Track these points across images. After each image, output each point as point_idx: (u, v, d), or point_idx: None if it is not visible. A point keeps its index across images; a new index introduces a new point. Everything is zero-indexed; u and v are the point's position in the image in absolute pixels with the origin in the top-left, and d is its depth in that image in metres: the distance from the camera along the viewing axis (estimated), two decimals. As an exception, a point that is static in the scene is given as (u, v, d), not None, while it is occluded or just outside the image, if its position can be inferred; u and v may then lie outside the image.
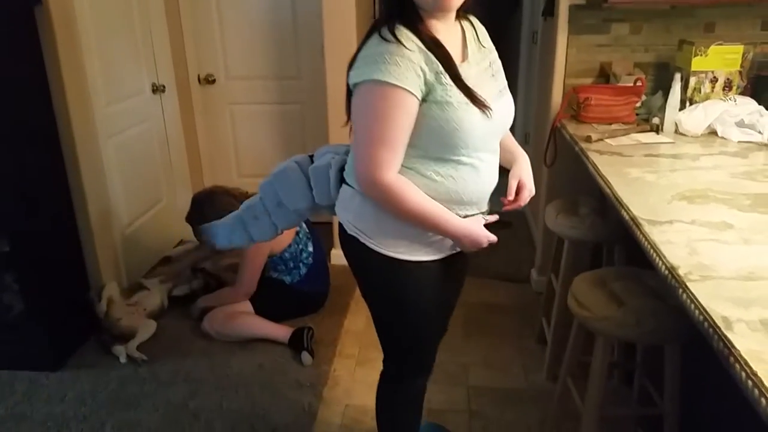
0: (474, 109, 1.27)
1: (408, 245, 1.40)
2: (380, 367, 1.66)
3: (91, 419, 2.15)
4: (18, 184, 2.24)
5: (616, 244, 2.12)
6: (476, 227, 1.38)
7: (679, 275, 1.13)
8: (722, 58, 2.30)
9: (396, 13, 1.26)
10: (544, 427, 2.04)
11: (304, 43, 3.46)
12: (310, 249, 2.74)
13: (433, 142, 1.29)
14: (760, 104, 2.18)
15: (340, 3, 2.80)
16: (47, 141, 2.43)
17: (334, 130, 2.99)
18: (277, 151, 3.69)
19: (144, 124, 3.17)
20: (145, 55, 3.14)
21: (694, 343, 1.37)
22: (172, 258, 3.25)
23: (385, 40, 1.22)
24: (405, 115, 1.23)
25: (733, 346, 0.91)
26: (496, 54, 1.44)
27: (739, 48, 2.30)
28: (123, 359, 2.45)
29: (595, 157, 1.93)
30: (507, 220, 1.48)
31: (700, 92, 2.33)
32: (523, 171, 1.50)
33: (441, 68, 1.24)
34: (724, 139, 2.11)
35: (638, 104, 2.40)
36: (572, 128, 2.32)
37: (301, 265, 2.71)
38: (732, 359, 0.90)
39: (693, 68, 2.30)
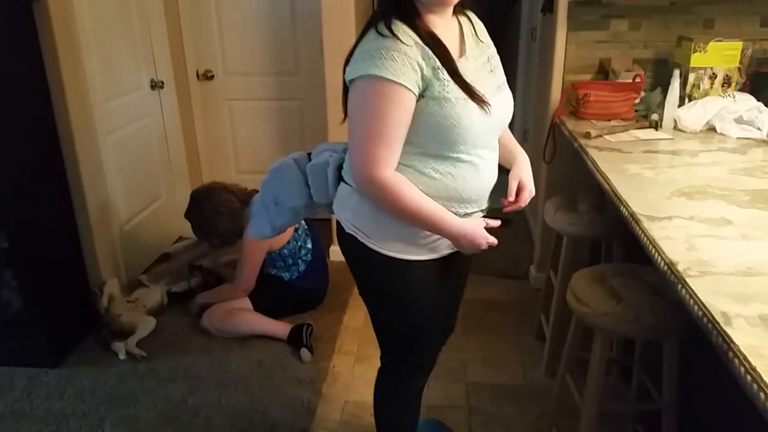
0: (472, 105, 1.26)
1: (406, 244, 1.39)
2: (379, 363, 1.66)
3: (90, 416, 2.15)
4: (16, 180, 2.24)
5: (615, 240, 2.12)
6: (475, 228, 1.36)
7: (678, 271, 1.14)
8: (721, 55, 2.29)
9: (393, 8, 1.24)
10: (543, 423, 2.04)
11: (303, 39, 3.45)
12: (309, 246, 2.74)
13: (432, 139, 1.28)
14: (758, 100, 2.18)
15: (338, -1, 2.80)
16: (46, 137, 2.42)
17: (333, 127, 2.99)
18: (276, 147, 3.69)
19: (142, 120, 3.16)
20: (143, 50, 3.13)
21: (691, 339, 1.38)
22: (171, 255, 3.25)
23: (382, 35, 1.21)
24: (402, 111, 1.22)
25: (732, 341, 0.91)
26: (494, 49, 1.43)
27: (738, 44, 2.29)
28: (122, 356, 2.45)
29: (594, 154, 1.93)
30: (507, 218, 1.47)
31: (699, 88, 2.33)
32: (523, 171, 1.49)
33: (438, 63, 1.23)
34: (723, 135, 2.11)
35: (637, 100, 2.40)
36: (571, 124, 2.31)
37: (300, 261, 2.71)
38: (731, 354, 0.90)
39: (692, 64, 2.29)
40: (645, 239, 1.31)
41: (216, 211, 2.61)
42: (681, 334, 1.48)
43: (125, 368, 2.41)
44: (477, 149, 1.33)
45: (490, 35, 1.43)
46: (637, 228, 1.37)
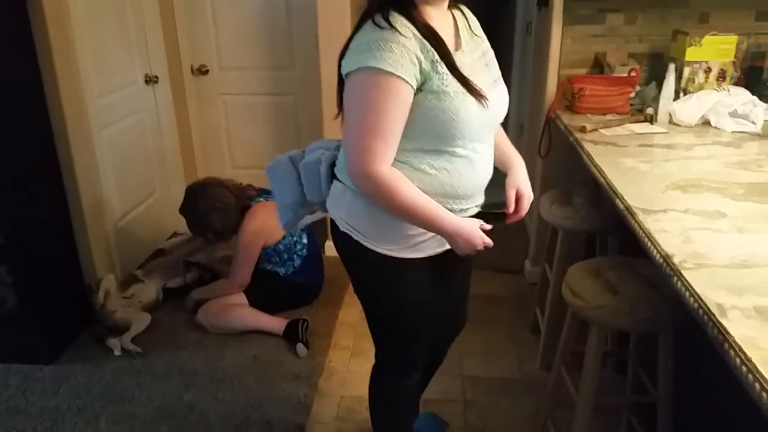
0: (470, 99, 1.25)
1: (401, 242, 1.37)
2: (374, 359, 1.66)
3: (85, 412, 2.15)
4: (11, 176, 2.22)
5: (610, 234, 2.12)
6: (472, 228, 1.32)
7: (673, 263, 1.14)
8: (716, 49, 2.30)
9: (389, 0, 1.22)
10: (539, 416, 2.05)
11: (298, 34, 3.43)
12: (305, 241, 2.74)
13: (429, 133, 1.26)
14: (753, 94, 2.19)
15: (334, -8, 2.78)
16: (40, 133, 2.41)
17: (328, 121, 2.98)
18: (271, 142, 3.68)
19: (137, 115, 3.14)
20: (137, 45, 3.11)
21: (686, 331, 1.38)
22: (166, 250, 3.24)
23: (379, 26, 1.19)
24: (399, 104, 1.20)
25: (728, 333, 0.92)
26: (488, 44, 1.42)
27: (733, 38, 2.30)
28: (117, 352, 2.44)
29: (589, 148, 1.93)
30: (501, 211, 1.46)
31: (694, 82, 2.34)
32: (520, 179, 1.47)
33: (437, 56, 1.21)
34: (718, 129, 2.12)
35: (632, 94, 2.40)
36: (567, 119, 2.32)
37: (295, 256, 2.70)
38: (726, 345, 0.91)
39: (687, 58, 2.30)
40: (640, 232, 1.31)
41: (211, 206, 2.60)
42: (676, 326, 1.49)
43: (120, 364, 2.40)
44: (473, 143, 1.32)
45: (485, 29, 1.43)
46: (633, 221, 1.37)
